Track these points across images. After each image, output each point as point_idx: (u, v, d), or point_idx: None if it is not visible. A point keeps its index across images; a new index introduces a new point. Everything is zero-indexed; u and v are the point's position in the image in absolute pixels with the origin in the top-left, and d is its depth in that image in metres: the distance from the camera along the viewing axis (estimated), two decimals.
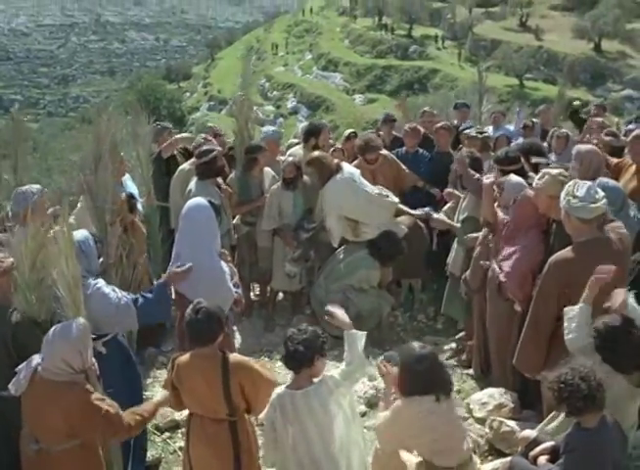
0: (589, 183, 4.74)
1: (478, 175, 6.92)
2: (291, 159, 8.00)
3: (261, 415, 4.61)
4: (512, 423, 5.34)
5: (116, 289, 4.92)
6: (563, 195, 4.76)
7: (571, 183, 4.79)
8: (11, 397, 4.13)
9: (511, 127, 10.95)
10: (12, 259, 4.66)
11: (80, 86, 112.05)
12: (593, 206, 4.63)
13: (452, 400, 4.40)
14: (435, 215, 7.37)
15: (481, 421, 5.64)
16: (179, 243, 5.66)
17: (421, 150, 8.90)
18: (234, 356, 4.28)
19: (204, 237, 5.57)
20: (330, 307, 4.59)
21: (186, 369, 4.23)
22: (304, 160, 7.90)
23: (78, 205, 6.68)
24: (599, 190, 4.70)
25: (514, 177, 6.08)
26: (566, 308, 4.40)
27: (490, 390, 5.93)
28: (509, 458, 4.39)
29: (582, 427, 3.82)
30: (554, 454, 4.00)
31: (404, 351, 4.43)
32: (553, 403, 3.92)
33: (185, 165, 8.06)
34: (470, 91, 26.02)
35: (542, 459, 4.04)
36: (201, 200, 5.79)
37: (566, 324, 4.35)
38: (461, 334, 7.42)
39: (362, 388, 6.22)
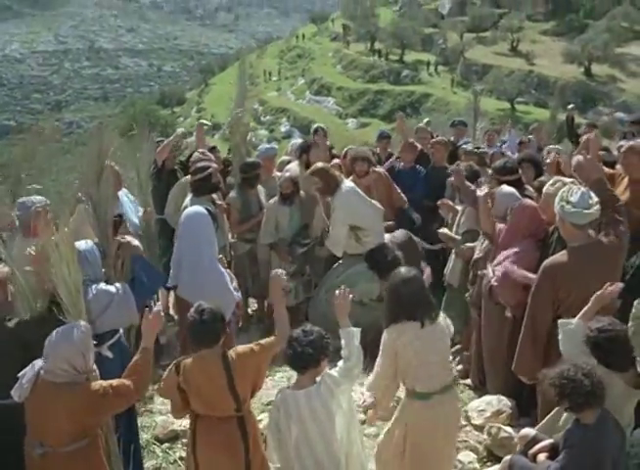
0: (583, 189, 4.81)
1: (475, 187, 6.99)
2: (287, 174, 8.07)
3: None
4: (510, 429, 5.39)
5: (116, 284, 5.03)
6: (557, 200, 4.85)
7: (565, 189, 4.87)
8: (13, 404, 4.18)
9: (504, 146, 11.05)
10: (7, 269, 4.70)
11: (73, 112, 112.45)
12: (587, 212, 4.71)
13: (437, 326, 4.58)
14: (440, 230, 7.40)
15: (480, 428, 5.69)
16: (179, 249, 5.74)
17: (417, 165, 9.02)
18: (232, 350, 4.33)
19: (203, 242, 5.68)
20: (339, 296, 4.65)
21: (191, 371, 4.26)
22: (301, 174, 7.98)
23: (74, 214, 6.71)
24: (593, 195, 4.76)
25: (505, 187, 6.18)
26: (561, 321, 4.46)
27: (488, 397, 5.97)
28: (508, 457, 4.43)
29: (582, 423, 3.87)
30: (553, 452, 4.05)
31: (391, 276, 4.70)
32: (553, 400, 3.97)
33: (183, 180, 8.11)
34: (463, 114, 26.20)
35: (541, 457, 4.09)
36: (198, 207, 5.91)
37: (561, 336, 4.42)
38: (457, 347, 7.47)
39: (360, 397, 6.25)
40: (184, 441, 5.95)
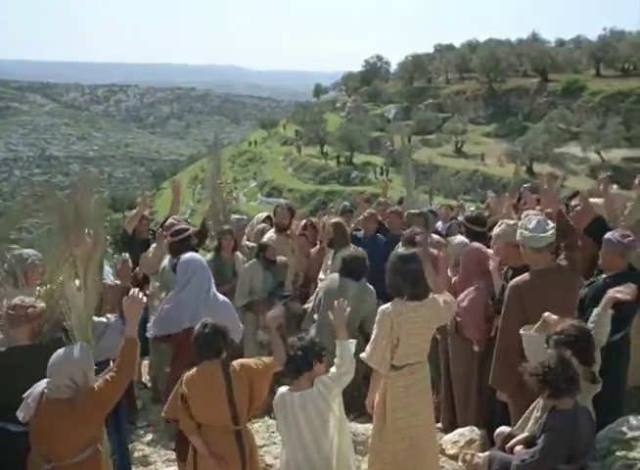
0: (540, 217, 5.29)
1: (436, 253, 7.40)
2: (271, 243, 8.43)
3: None
4: (483, 455, 5.61)
5: (107, 315, 5.33)
6: (518, 229, 5.32)
7: (525, 218, 5.35)
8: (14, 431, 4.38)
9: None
10: (43, 304, 4.90)
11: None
12: (542, 235, 5.18)
13: (429, 308, 4.95)
14: None
15: (454, 458, 5.90)
16: (188, 293, 5.91)
17: (378, 234, 9.45)
18: (233, 362, 4.60)
19: (211, 278, 6.00)
20: (336, 307, 4.86)
21: (193, 379, 4.53)
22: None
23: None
24: (550, 222, 5.25)
25: (457, 238, 6.69)
26: (522, 331, 4.92)
27: (460, 429, 6.22)
28: (487, 453, 4.68)
29: (559, 409, 4.21)
30: (528, 445, 4.35)
31: (391, 255, 5.14)
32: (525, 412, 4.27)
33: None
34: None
35: (518, 448, 4.39)
36: (189, 254, 6.21)
37: (525, 345, 4.85)
38: None
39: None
40: None
